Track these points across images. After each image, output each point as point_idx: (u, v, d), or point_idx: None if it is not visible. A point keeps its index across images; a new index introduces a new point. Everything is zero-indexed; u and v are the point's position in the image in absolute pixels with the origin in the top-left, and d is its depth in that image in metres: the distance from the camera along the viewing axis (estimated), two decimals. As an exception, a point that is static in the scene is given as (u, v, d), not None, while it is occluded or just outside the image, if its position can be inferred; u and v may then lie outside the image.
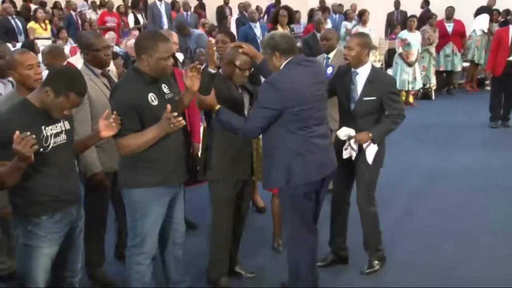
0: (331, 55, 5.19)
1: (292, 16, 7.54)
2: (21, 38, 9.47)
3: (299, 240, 3.26)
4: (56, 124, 2.64)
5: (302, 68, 3.07)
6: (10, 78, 3.27)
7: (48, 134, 2.59)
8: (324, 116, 3.20)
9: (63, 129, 2.69)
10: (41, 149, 2.52)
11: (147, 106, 2.86)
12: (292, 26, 7.95)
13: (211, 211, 3.58)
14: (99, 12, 12.53)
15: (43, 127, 2.57)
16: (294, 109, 2.98)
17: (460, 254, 4.14)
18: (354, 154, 3.66)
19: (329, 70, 4.98)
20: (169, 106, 2.78)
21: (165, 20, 10.87)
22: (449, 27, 10.42)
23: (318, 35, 8.16)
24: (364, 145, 3.61)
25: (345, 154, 3.68)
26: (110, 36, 9.19)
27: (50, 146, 2.59)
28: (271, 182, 3.21)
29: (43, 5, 12.67)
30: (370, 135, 3.58)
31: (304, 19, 11.98)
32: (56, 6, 13.94)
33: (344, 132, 3.63)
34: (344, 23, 10.35)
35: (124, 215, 3.71)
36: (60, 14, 12.58)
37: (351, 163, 3.69)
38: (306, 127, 3.05)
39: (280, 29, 7.48)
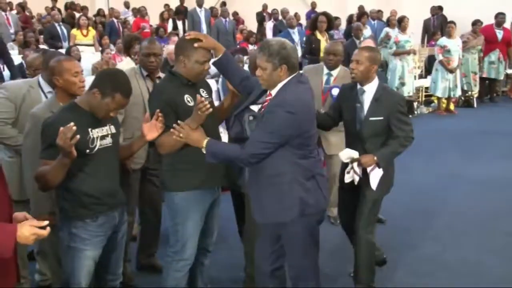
0: (335, 72, 4.54)
1: (331, 23, 7.50)
2: (65, 44, 9.74)
3: (316, 270, 2.96)
4: (103, 127, 2.70)
5: (305, 87, 2.76)
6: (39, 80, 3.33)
7: (95, 136, 2.64)
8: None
9: (109, 132, 2.74)
10: (87, 151, 2.59)
11: (183, 106, 2.88)
12: (331, 32, 7.91)
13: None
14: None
15: (89, 129, 2.63)
16: (306, 133, 2.71)
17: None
18: (357, 179, 3.36)
19: (335, 91, 4.22)
20: (199, 97, 2.72)
21: (204, 26, 10.99)
22: (499, 33, 10.18)
23: (357, 41, 8.11)
24: (368, 169, 3.32)
25: (347, 178, 3.40)
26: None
27: (96, 148, 2.64)
28: (280, 214, 2.77)
29: (85, 12, 13.00)
30: (375, 158, 3.28)
31: (344, 25, 11.89)
32: (99, 13, 14.31)
33: (347, 154, 3.34)
34: (386, 29, 10.21)
35: (151, 219, 3.82)
36: (102, 21, 12.91)
37: (356, 188, 3.40)
38: (313, 150, 2.83)
39: (318, 35, 7.45)
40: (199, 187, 2.96)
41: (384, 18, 11.77)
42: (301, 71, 2.90)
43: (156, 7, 13.69)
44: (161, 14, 12.70)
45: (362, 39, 8.22)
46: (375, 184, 3.33)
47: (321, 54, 7.24)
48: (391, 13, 11.62)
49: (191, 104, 2.90)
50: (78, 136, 2.35)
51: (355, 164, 3.34)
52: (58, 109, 2.73)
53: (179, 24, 12.64)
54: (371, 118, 3.32)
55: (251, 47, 10.10)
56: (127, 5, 14.64)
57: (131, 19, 13.01)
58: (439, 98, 9.79)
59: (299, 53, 8.65)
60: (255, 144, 2.65)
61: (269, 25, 11.97)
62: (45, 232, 2.07)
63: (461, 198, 5.47)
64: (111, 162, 2.75)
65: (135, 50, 4.51)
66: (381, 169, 3.31)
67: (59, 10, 11.97)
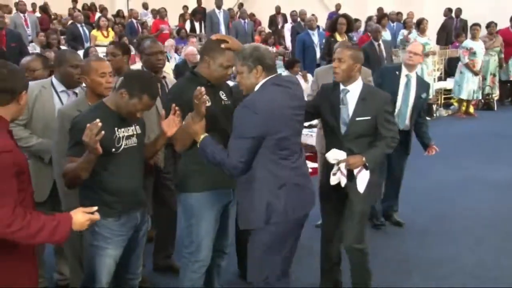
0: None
1: (350, 25, 7.45)
2: (87, 45, 9.84)
3: (274, 281, 2.78)
4: (129, 128, 2.74)
5: (281, 89, 2.68)
6: (76, 90, 3.37)
7: (120, 135, 2.68)
8: (300, 142, 2.87)
9: (135, 133, 2.77)
10: (113, 150, 2.63)
11: None
12: (350, 34, 7.87)
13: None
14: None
15: (116, 129, 2.67)
16: (276, 135, 2.61)
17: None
18: (343, 181, 3.20)
19: None
20: (198, 87, 2.68)
21: (222, 28, 11.02)
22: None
23: (376, 44, 8.06)
24: (355, 171, 3.17)
25: (333, 180, 3.23)
26: (169, 43, 9.44)
27: (122, 148, 2.68)
28: (248, 221, 2.74)
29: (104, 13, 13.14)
30: (364, 159, 3.15)
31: (363, 27, 11.83)
32: (118, 14, 14.44)
33: (334, 155, 3.19)
34: (402, 31, 10.15)
35: (166, 221, 3.84)
36: (122, 22, 13.02)
37: (343, 190, 3.25)
38: (290, 156, 2.70)
39: (337, 37, 7.42)
40: (213, 188, 2.97)
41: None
42: (281, 73, 2.90)
43: (175, 8, 13.78)
44: (181, 15, 12.78)
45: (380, 41, 8.16)
46: (362, 187, 3.19)
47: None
48: (408, 15, 11.55)
49: (209, 104, 2.91)
50: (103, 132, 2.38)
51: (342, 165, 3.18)
52: (87, 108, 2.78)
53: (197, 25, 12.71)
54: (358, 118, 3.18)
55: (269, 49, 10.11)
56: (145, 6, 14.72)
57: (150, 20, 13.09)
58: (459, 101, 9.69)
59: (318, 55, 8.67)
60: (231, 152, 2.61)
61: (287, 27, 11.96)
62: (97, 217, 2.27)
63: (480, 201, 5.41)
64: (135, 162, 2.77)
65: None
66: (368, 171, 3.18)
67: (79, 11, 12.11)
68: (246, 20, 11.47)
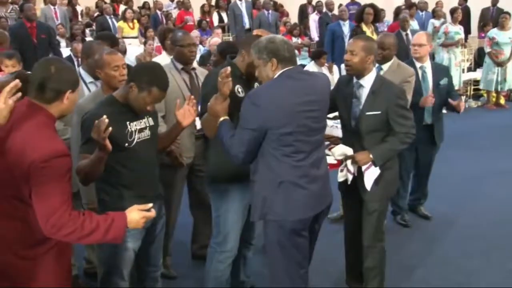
0: (386, 66, 4.08)
1: (377, 15, 7.35)
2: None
3: (285, 280, 2.73)
4: (141, 120, 2.71)
5: (292, 82, 2.59)
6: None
7: (133, 129, 2.65)
8: (320, 140, 2.72)
9: (147, 125, 2.75)
10: (126, 144, 2.61)
11: (232, 95, 2.86)
12: (376, 24, 7.76)
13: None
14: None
15: (128, 123, 2.64)
16: (277, 130, 2.52)
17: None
18: (350, 178, 3.14)
19: None
20: (225, 68, 2.68)
21: (246, 19, 10.97)
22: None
23: (404, 34, 7.91)
24: (363, 168, 3.08)
25: (340, 177, 3.17)
26: (193, 35, 9.42)
27: (135, 142, 2.65)
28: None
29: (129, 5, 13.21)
30: (371, 156, 3.05)
31: (389, 17, 11.64)
32: (144, 6, 14.51)
33: (340, 151, 3.10)
34: (432, 20, 9.94)
35: (200, 211, 3.85)
36: (147, 14, 13.08)
37: (357, 192, 3.17)
38: (294, 153, 2.57)
39: (364, 28, 7.32)
40: (242, 179, 2.95)
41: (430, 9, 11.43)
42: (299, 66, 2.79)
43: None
44: (202, 7, 12.76)
45: (408, 31, 8.00)
46: (369, 185, 3.09)
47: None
48: (437, 4, 11.29)
49: (241, 95, 2.91)
50: (110, 129, 2.36)
51: (348, 162, 3.11)
52: (97, 103, 2.76)
53: (224, 16, 12.68)
54: (367, 113, 3.07)
55: (294, 40, 10.02)
56: (170, -2, 14.78)
57: (175, 11, 13.11)
58: (488, 92, 9.48)
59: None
60: (234, 143, 2.60)
61: (313, 17, 11.83)
62: (153, 213, 2.30)
63: (510, 194, 5.27)
64: (150, 154, 2.76)
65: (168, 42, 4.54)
66: (377, 168, 3.06)
67: (108, 3, 12.24)
68: (270, 11, 11.38)
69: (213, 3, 13.27)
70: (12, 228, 2.13)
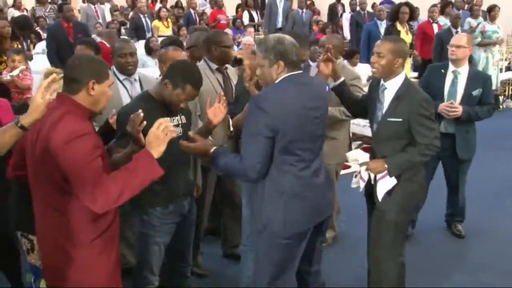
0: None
1: (413, 14, 7.24)
2: (149, 35, 10.05)
3: None
4: (174, 117, 2.76)
5: (298, 88, 2.48)
6: (137, 77, 3.46)
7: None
8: (320, 149, 2.62)
9: (180, 122, 2.80)
10: None
11: None
12: (410, 23, 7.64)
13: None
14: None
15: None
16: (282, 137, 2.39)
17: None
18: (362, 185, 3.04)
19: None
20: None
21: (280, 18, 10.96)
22: None
23: (454, 31, 7.65)
24: (378, 176, 2.94)
25: (353, 183, 3.06)
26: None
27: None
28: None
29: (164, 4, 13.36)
30: (386, 165, 2.90)
31: (423, 15, 11.43)
32: (177, 5, 14.64)
33: (354, 156, 3.00)
34: (468, 19, 9.71)
35: (230, 210, 3.86)
36: (180, 13, 13.19)
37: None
38: (297, 162, 2.46)
39: (398, 27, 7.23)
40: None
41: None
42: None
43: (233, -2, 13.82)
44: (238, 6, 12.81)
45: (459, 29, 7.74)
46: (381, 195, 2.93)
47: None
48: (476, 2, 11.02)
49: None
50: (145, 123, 2.40)
51: (362, 169, 2.98)
52: (133, 99, 2.81)
53: (255, 15, 12.69)
54: (389, 119, 2.92)
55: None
56: (203, -4, 14.88)
57: (208, 10, 13.19)
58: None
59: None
60: (245, 154, 2.42)
61: (345, 16, 11.72)
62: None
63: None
64: (181, 151, 2.76)
65: None
66: (393, 179, 2.90)
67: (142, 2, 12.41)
68: (304, 10, 11.34)
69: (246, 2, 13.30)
70: (57, 219, 2.18)
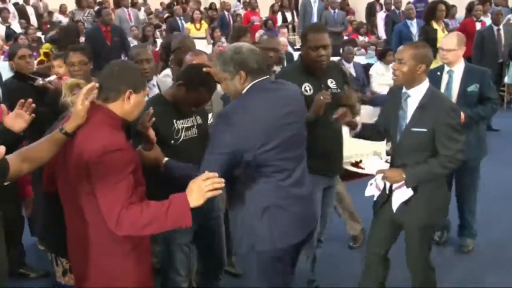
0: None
1: (448, 11, 7.09)
2: (182, 37, 10.20)
3: None
4: (188, 119, 2.76)
5: (266, 94, 2.34)
6: (155, 82, 3.52)
7: (179, 127, 2.71)
8: (302, 156, 2.46)
9: (195, 123, 2.79)
10: (172, 141, 2.67)
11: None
12: (446, 21, 7.48)
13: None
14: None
15: (174, 121, 2.70)
16: (257, 150, 2.24)
17: None
18: (377, 194, 2.94)
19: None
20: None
21: (315, 18, 10.90)
22: None
23: (495, 29, 7.44)
24: (394, 186, 2.82)
25: (368, 191, 2.95)
26: (259, 34, 9.50)
27: (181, 139, 2.70)
28: (236, 245, 2.54)
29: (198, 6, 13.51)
30: (404, 175, 2.77)
31: (461, 13, 11.19)
32: (211, 7, 14.79)
33: (372, 162, 2.96)
34: (510, 16, 9.44)
35: None
36: (214, 15, 13.32)
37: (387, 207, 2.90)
38: (275, 173, 2.32)
39: (434, 25, 7.09)
40: (311, 171, 2.94)
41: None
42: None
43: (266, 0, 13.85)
44: (272, 7, 12.84)
45: (501, 26, 7.51)
46: (396, 205, 2.84)
47: (438, 45, 6.87)
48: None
49: (309, 93, 2.96)
50: (154, 119, 2.42)
51: (378, 177, 2.88)
52: (146, 102, 2.84)
53: (288, 16, 12.69)
54: (413, 129, 2.78)
55: (361, 38, 9.87)
56: (237, -2, 14.99)
57: (241, 12, 13.26)
58: None
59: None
60: (203, 166, 2.25)
61: (380, 15, 11.59)
62: (214, 174, 2.03)
63: None
64: (196, 152, 2.71)
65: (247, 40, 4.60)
66: (409, 190, 2.79)
67: (177, 5, 12.62)
68: (336, 10, 11.26)
69: (281, 3, 13.31)
70: (91, 231, 2.15)
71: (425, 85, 2.83)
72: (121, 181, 2.01)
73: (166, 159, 2.47)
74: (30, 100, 2.42)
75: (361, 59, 8.66)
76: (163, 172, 2.46)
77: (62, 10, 12.74)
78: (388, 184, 2.88)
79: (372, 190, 2.94)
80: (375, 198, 2.94)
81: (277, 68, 3.80)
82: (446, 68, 3.88)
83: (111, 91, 2.13)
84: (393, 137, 2.90)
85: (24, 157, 2.05)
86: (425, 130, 2.74)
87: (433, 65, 5.66)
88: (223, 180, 2.02)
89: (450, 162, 2.75)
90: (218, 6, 14.80)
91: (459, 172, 3.83)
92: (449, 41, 3.83)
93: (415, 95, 2.82)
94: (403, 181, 2.78)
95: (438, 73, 3.90)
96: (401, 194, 2.80)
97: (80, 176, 2.06)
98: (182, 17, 10.97)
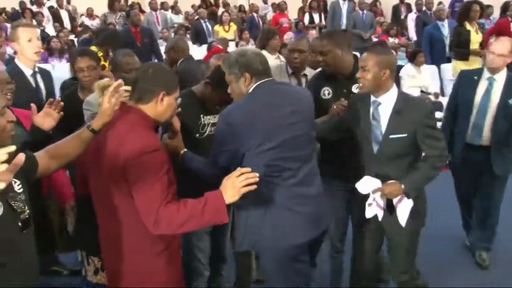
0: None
1: (483, 12, 6.95)
2: (210, 40, 10.25)
3: None
4: (215, 115, 2.83)
5: (269, 94, 2.40)
6: None
7: (206, 122, 2.82)
8: (309, 156, 2.47)
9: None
10: (197, 135, 2.77)
11: (318, 97, 2.97)
12: (480, 21, 7.34)
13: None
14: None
15: (201, 115, 2.81)
16: (257, 149, 2.29)
17: None
18: (380, 213, 2.79)
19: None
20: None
21: (344, 19, 10.85)
22: None
23: None
24: (395, 201, 2.73)
25: (369, 213, 2.82)
26: (288, 36, 9.49)
27: (206, 134, 2.81)
28: (236, 243, 2.57)
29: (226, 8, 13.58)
30: (402, 186, 2.69)
31: (497, 13, 10.94)
32: (240, 9, 14.85)
33: (367, 185, 2.76)
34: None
35: None
36: (243, 17, 13.36)
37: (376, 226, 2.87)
38: (278, 172, 2.35)
39: (467, 26, 6.96)
40: (330, 177, 2.97)
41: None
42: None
43: (295, 1, 13.82)
44: (301, 8, 12.83)
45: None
46: (404, 220, 2.73)
47: (471, 47, 6.77)
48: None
49: (327, 97, 3.02)
50: (179, 109, 2.48)
51: (377, 195, 2.75)
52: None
53: (316, 17, 12.65)
54: (391, 136, 2.70)
55: (391, 40, 9.75)
56: (265, 1, 14.98)
57: (270, 14, 13.28)
58: None
59: (447, 48, 8.06)
60: (212, 159, 2.44)
61: (411, 17, 11.41)
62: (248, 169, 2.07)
63: None
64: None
65: (272, 44, 4.63)
66: (410, 200, 2.72)
67: (204, 8, 12.71)
68: (365, 11, 11.17)
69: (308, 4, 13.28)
70: (124, 231, 2.18)
71: (394, 90, 2.74)
72: (158, 181, 2.04)
73: (184, 150, 2.55)
74: (58, 99, 2.48)
75: (391, 61, 8.54)
76: (180, 162, 2.53)
77: (89, 13, 12.95)
78: (385, 201, 2.78)
79: (374, 210, 2.81)
80: (380, 219, 2.81)
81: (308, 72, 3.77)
82: (486, 74, 3.68)
83: (145, 93, 2.16)
84: (367, 148, 2.80)
85: (52, 154, 2.10)
86: (405, 135, 2.69)
87: (464, 67, 5.62)
88: (257, 174, 2.06)
89: (440, 161, 2.73)
90: (247, 8, 14.85)
91: (487, 183, 3.77)
92: (501, 46, 3.63)
93: (386, 102, 2.74)
94: (402, 194, 2.71)
95: (475, 77, 3.71)
96: (404, 207, 2.73)
97: (115, 177, 2.08)
98: (206, 20, 11.03)
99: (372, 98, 2.77)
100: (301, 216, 2.41)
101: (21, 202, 1.89)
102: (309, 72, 3.78)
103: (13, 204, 1.85)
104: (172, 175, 2.17)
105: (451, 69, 7.36)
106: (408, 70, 7.40)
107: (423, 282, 3.09)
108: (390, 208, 2.77)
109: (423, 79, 7.47)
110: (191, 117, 2.70)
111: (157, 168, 2.05)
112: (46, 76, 3.88)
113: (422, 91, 7.52)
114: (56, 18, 12.18)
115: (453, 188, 4.08)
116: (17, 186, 1.90)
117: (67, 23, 12.38)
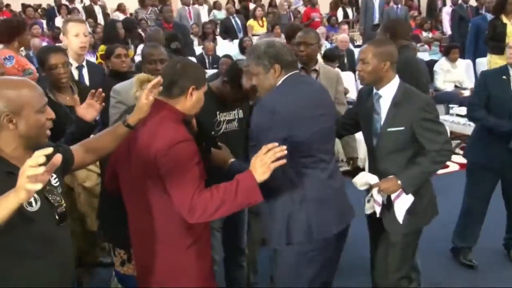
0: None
1: (519, 5, 6.74)
2: (240, 35, 10.28)
3: None
4: (231, 112, 2.84)
5: (301, 86, 2.37)
6: None
7: (221, 119, 2.81)
8: (333, 148, 2.48)
9: (236, 117, 2.88)
10: (213, 132, 2.75)
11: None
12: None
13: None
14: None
15: (217, 112, 2.80)
16: (298, 138, 2.24)
17: None
18: (378, 210, 2.69)
19: None
20: None
21: (377, 14, 10.73)
22: None
23: None
24: (393, 196, 2.64)
25: (367, 209, 2.76)
26: (320, 31, 9.44)
27: (221, 131, 2.80)
28: (269, 240, 2.47)
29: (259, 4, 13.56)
30: (399, 182, 2.60)
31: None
32: (271, 4, 14.79)
33: (363, 180, 2.69)
34: None
35: None
36: (274, 12, 13.32)
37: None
38: (314, 164, 2.32)
39: (504, 19, 6.77)
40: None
41: None
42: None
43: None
44: (332, 2, 12.72)
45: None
46: (401, 216, 2.65)
47: (507, 40, 6.56)
48: None
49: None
50: None
51: (374, 191, 2.67)
52: None
53: (349, 11, 12.52)
54: (389, 129, 2.64)
55: (425, 34, 9.60)
56: (297, -5, 14.92)
57: (302, 8, 13.21)
58: None
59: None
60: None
61: (445, 10, 11.20)
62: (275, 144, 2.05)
63: None
64: (236, 145, 2.75)
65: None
66: (410, 196, 2.63)
67: (233, 2, 12.72)
68: (399, 5, 10.99)
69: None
70: (154, 225, 2.20)
71: (395, 82, 2.68)
72: (190, 170, 2.08)
73: (232, 159, 2.48)
74: (100, 90, 2.52)
75: (424, 56, 8.43)
76: (226, 171, 2.46)
77: (122, 8, 13.06)
78: (383, 197, 2.70)
79: (372, 207, 2.74)
80: (378, 215, 2.72)
81: (318, 66, 3.62)
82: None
83: (175, 88, 2.19)
84: (368, 141, 2.76)
85: (88, 148, 2.13)
86: (402, 128, 2.63)
87: (499, 61, 5.36)
88: (284, 147, 2.02)
89: (441, 155, 2.63)
90: (277, 3, 14.79)
91: None
92: None
93: (386, 94, 2.68)
94: (400, 190, 2.63)
95: (504, 77, 3.51)
96: (402, 203, 2.65)
97: (148, 171, 2.12)
98: (235, 15, 11.05)
99: (374, 90, 2.74)
100: (333, 208, 2.40)
101: (58, 195, 1.92)
102: (322, 68, 3.66)
103: (50, 198, 1.88)
104: (202, 168, 2.19)
105: (486, 64, 7.18)
106: (442, 65, 7.27)
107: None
108: (389, 204, 2.70)
109: (457, 74, 7.33)
110: (207, 114, 2.61)
111: (188, 158, 2.08)
112: (94, 70, 4.00)
113: (456, 86, 7.39)
114: (90, 14, 12.37)
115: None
116: (54, 180, 1.94)
117: (100, 19, 12.57)
